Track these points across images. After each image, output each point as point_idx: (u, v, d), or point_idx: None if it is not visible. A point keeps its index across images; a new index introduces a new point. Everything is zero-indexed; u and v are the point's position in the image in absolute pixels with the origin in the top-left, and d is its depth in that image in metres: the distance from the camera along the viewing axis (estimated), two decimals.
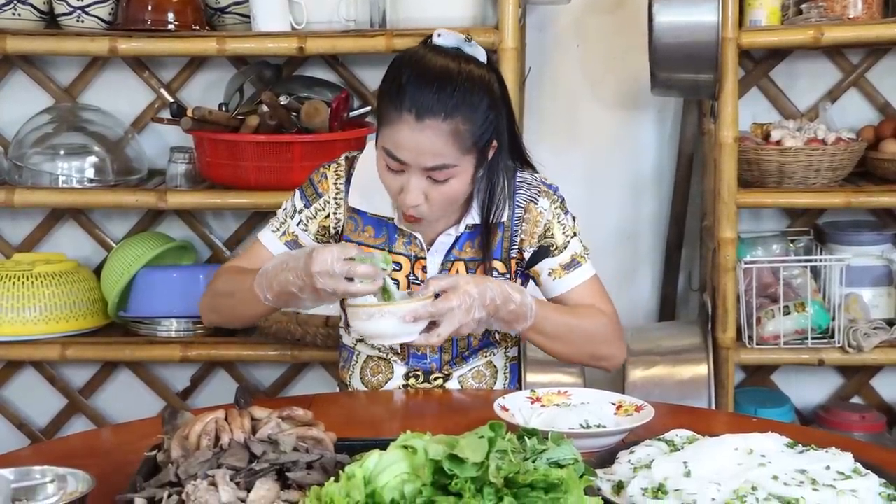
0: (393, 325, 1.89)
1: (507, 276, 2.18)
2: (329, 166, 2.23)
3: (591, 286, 2.22)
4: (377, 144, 2.05)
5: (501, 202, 2.16)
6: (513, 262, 2.19)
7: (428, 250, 2.17)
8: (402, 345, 2.19)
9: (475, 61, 2.04)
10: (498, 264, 2.18)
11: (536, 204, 2.18)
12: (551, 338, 2.11)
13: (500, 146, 2.11)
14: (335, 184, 2.21)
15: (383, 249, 2.13)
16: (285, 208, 2.24)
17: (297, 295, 1.96)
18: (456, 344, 2.20)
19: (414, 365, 2.21)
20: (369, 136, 2.99)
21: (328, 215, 2.20)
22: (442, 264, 2.17)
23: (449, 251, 2.17)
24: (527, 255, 2.20)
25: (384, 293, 1.94)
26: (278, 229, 2.22)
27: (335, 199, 2.20)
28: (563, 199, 2.23)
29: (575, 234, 2.22)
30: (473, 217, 2.16)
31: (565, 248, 2.19)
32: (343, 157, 2.24)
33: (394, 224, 2.18)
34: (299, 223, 2.21)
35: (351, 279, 1.90)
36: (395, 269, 2.15)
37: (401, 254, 2.17)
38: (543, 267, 2.19)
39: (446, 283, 1.95)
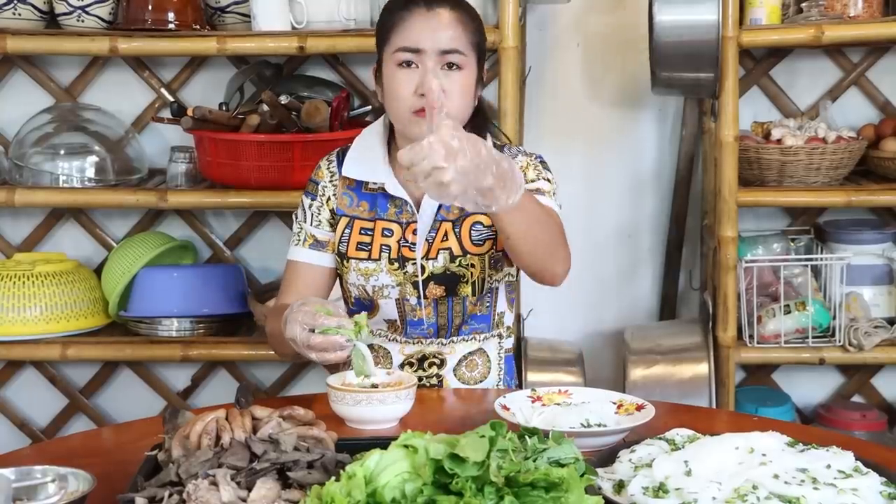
0: (372, 411, 1.87)
1: (492, 227, 2.21)
2: (322, 159, 2.34)
3: (549, 212, 2.10)
4: (383, 63, 2.18)
5: None
6: None
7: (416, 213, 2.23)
8: (399, 317, 2.24)
9: None
10: (481, 217, 2.22)
11: (515, 158, 2.25)
12: (528, 223, 1.98)
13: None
14: (328, 168, 2.30)
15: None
16: (297, 216, 2.31)
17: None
18: (451, 309, 2.22)
19: (412, 333, 2.24)
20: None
21: (328, 198, 2.28)
22: (431, 225, 2.22)
23: (437, 212, 2.23)
24: None
25: (362, 362, 1.92)
26: (299, 240, 2.29)
27: (331, 181, 2.28)
28: (545, 163, 2.27)
29: (549, 181, 2.22)
30: None
31: (534, 181, 2.21)
32: (335, 149, 2.34)
33: (384, 193, 2.24)
34: (312, 221, 2.27)
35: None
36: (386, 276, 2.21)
37: (392, 220, 2.23)
38: None
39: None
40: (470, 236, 2.22)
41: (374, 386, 1.93)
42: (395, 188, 2.23)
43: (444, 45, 2.12)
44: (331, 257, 2.27)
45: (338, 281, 2.34)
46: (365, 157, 2.26)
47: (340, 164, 2.28)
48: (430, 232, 2.22)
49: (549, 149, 3.31)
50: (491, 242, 2.23)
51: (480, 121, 2.27)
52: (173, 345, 3.17)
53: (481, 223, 2.22)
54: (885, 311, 3.18)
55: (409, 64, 2.14)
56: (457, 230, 2.22)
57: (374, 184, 2.25)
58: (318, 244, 2.27)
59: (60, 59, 3.41)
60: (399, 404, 1.89)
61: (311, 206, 2.28)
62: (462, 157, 1.63)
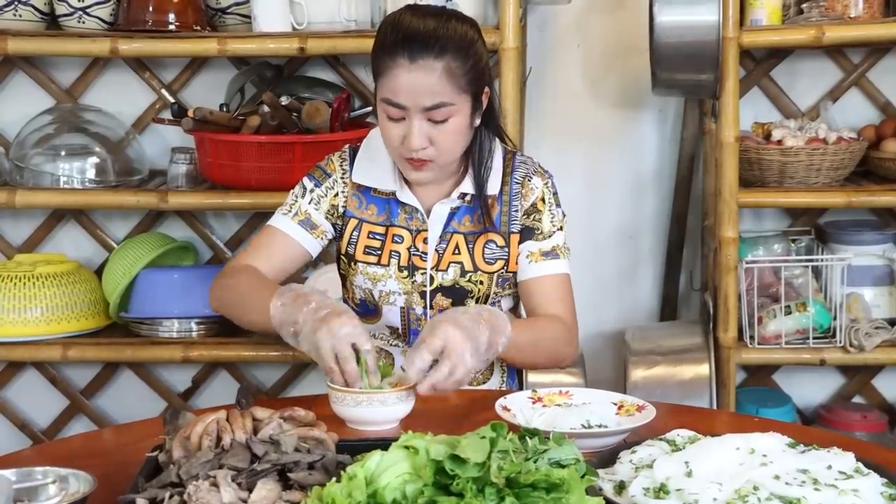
0: (373, 413, 1.86)
1: (506, 248, 2.22)
2: (333, 153, 2.31)
3: (561, 282, 2.24)
4: (376, 101, 2.13)
5: (489, 155, 2.22)
6: (512, 237, 2.23)
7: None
8: (402, 325, 2.24)
9: (458, 15, 2.16)
10: (496, 237, 2.22)
11: (530, 181, 2.25)
12: (522, 349, 2.11)
13: (491, 94, 2.19)
14: (341, 165, 2.27)
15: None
16: (294, 192, 2.28)
17: (294, 332, 1.96)
18: None
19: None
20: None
21: (336, 194, 2.26)
22: (440, 236, 2.22)
23: (447, 223, 2.22)
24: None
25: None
26: (289, 211, 2.25)
27: (342, 178, 2.26)
28: (557, 191, 2.29)
29: (561, 227, 2.27)
30: (467, 185, 2.21)
31: (550, 236, 2.24)
32: (346, 146, 2.32)
33: (396, 199, 2.23)
34: (311, 201, 2.25)
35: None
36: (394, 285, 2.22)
37: (402, 227, 2.22)
38: (523, 248, 2.24)
39: (429, 351, 1.90)
40: (483, 254, 2.22)
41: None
42: (405, 195, 2.22)
43: (427, 103, 2.06)
44: (314, 243, 2.24)
45: (340, 280, 2.34)
46: (373, 165, 2.24)
47: (352, 164, 2.26)
48: (440, 243, 2.22)
49: (550, 149, 3.33)
50: (502, 262, 2.23)
51: (493, 127, 2.26)
52: (174, 346, 3.17)
53: (494, 242, 2.22)
54: (886, 312, 3.18)
55: (394, 115, 2.09)
56: (470, 245, 2.22)
57: (384, 189, 2.24)
58: (308, 224, 2.24)
59: (61, 60, 3.41)
60: (400, 405, 1.88)
61: (312, 190, 2.25)
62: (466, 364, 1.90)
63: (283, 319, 1.97)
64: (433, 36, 2.06)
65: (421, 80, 2.05)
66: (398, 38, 2.07)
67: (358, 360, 1.89)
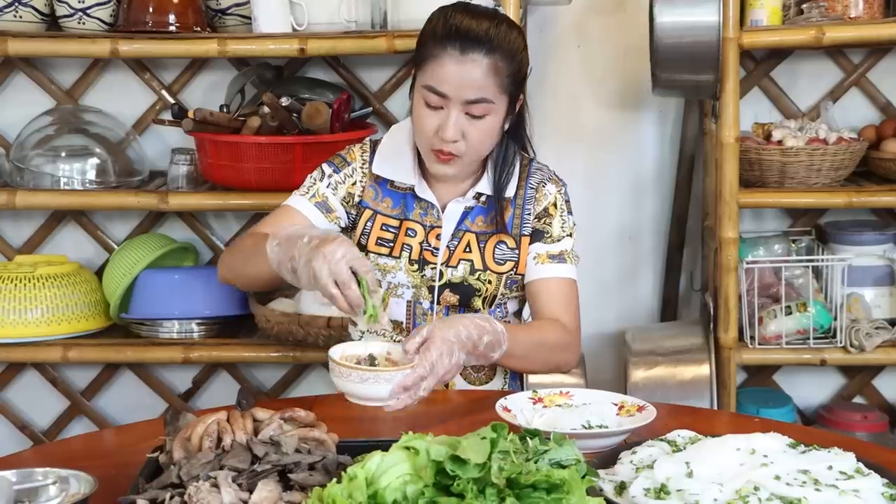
0: (378, 390, 1.86)
1: (516, 251, 2.24)
2: (355, 144, 2.34)
3: (566, 287, 2.25)
4: (415, 86, 2.16)
5: (511, 161, 2.25)
6: (523, 240, 2.25)
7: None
8: (407, 319, 2.26)
9: (509, 20, 2.20)
10: (507, 238, 2.24)
11: (545, 186, 2.28)
12: (519, 357, 2.13)
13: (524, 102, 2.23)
14: (361, 156, 2.30)
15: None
16: (312, 176, 2.30)
17: (291, 269, 1.94)
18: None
19: None
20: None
21: (354, 182, 2.28)
22: (453, 233, 2.24)
23: (461, 221, 2.24)
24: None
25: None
26: (307, 193, 2.27)
27: (361, 168, 2.29)
28: (569, 199, 2.31)
29: (571, 234, 2.29)
30: (483, 185, 2.24)
31: (558, 240, 2.27)
32: (367, 139, 2.35)
33: (412, 194, 2.25)
34: (329, 185, 2.27)
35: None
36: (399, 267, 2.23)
37: (416, 222, 2.24)
38: (532, 250, 2.26)
39: (419, 337, 1.93)
40: (493, 254, 2.24)
41: (374, 363, 1.93)
42: (423, 191, 2.25)
43: (470, 97, 2.10)
44: (327, 227, 2.24)
45: None
46: (395, 158, 2.27)
47: (372, 156, 2.28)
48: (452, 239, 2.24)
49: (550, 150, 3.32)
50: (512, 264, 2.24)
51: (519, 136, 2.28)
52: (174, 347, 3.17)
53: (505, 243, 2.24)
54: (886, 313, 3.18)
55: (434, 103, 2.12)
56: (481, 244, 2.24)
57: (403, 183, 2.26)
58: (324, 207, 2.26)
59: (61, 61, 3.41)
60: None
61: (331, 175, 2.27)
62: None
63: (280, 259, 1.97)
64: (486, 34, 2.10)
65: (468, 73, 2.09)
66: (451, 31, 2.10)
67: (358, 283, 1.89)
